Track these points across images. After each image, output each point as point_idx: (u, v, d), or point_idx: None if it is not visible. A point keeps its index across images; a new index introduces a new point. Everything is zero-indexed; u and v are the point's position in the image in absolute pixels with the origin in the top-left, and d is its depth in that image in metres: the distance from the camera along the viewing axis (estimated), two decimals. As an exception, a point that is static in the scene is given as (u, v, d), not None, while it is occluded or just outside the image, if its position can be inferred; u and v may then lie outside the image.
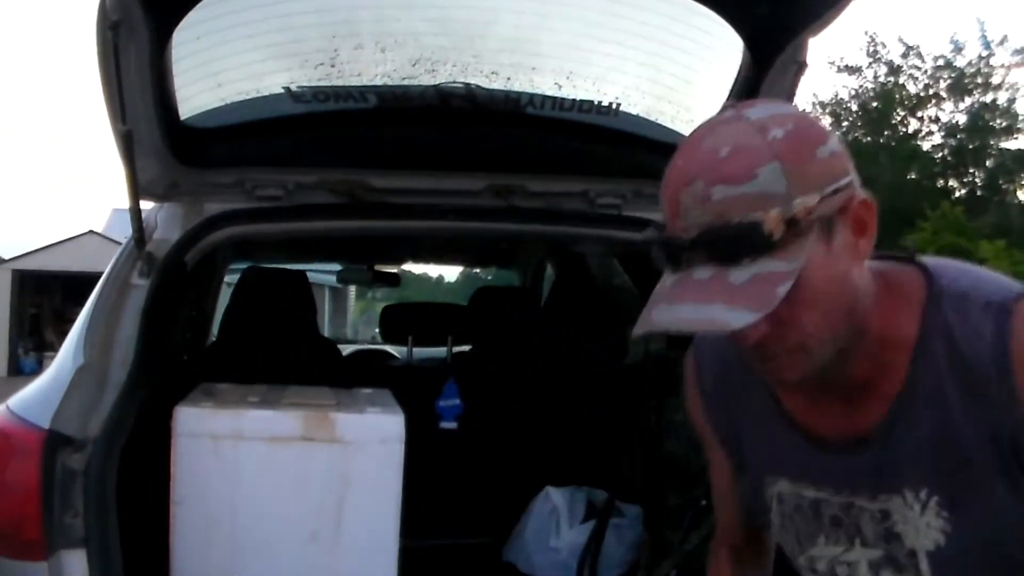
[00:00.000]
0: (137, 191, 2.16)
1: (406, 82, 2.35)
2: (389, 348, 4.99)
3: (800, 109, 1.28)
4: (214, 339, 3.79)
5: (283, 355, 3.11)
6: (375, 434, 2.27)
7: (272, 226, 2.55)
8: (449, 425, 3.09)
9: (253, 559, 2.25)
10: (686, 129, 2.30)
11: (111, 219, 22.87)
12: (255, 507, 2.24)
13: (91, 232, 18.94)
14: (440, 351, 4.29)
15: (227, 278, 4.14)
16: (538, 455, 3.14)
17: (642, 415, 2.91)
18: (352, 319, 17.17)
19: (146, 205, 2.37)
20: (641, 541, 2.86)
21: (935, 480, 1.25)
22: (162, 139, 2.27)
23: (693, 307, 1.13)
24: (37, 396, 2.09)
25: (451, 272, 30.53)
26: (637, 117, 2.51)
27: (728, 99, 1.67)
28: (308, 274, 3.75)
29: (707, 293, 1.13)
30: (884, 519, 1.30)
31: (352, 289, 21.25)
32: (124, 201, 2.26)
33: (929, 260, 1.30)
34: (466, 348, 3.86)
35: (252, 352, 3.12)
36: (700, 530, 2.48)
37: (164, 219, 2.45)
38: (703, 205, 1.13)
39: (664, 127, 2.49)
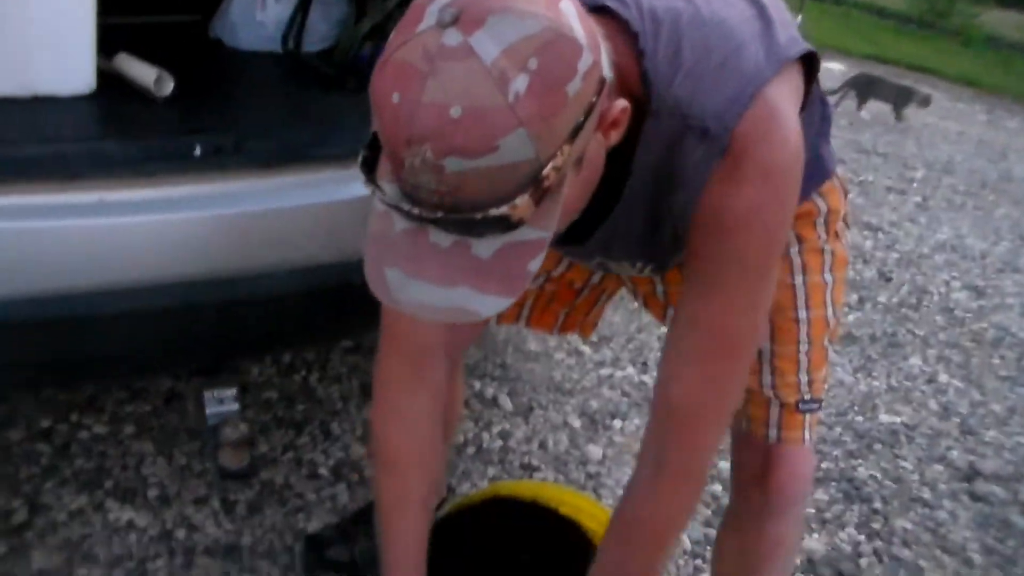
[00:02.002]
0: None
1: None
2: None
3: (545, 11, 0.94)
4: None
5: None
6: None
7: None
8: None
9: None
10: None
11: None
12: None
13: None
14: None
15: None
16: None
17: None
18: None
19: None
20: (345, 19, 2.93)
21: (648, 256, 1.37)
22: None
23: (437, 290, 0.99)
24: None
25: None
26: None
27: None
28: None
29: (450, 269, 0.99)
30: (602, 267, 1.51)
31: None
32: None
33: (650, 42, 1.12)
34: None
35: None
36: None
37: None
38: (433, 174, 0.93)
39: None
